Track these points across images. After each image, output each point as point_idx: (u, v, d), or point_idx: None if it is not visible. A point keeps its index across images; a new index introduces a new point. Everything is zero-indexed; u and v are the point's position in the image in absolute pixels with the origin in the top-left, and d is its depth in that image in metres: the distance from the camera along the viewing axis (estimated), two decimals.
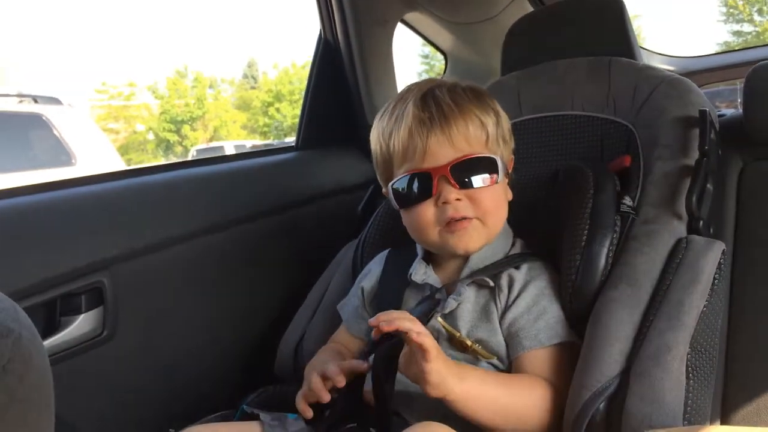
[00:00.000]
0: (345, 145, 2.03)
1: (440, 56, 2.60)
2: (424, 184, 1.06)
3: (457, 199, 1.04)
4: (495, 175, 1.06)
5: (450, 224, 1.06)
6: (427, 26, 2.37)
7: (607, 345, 0.96)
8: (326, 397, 0.97)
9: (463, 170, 1.04)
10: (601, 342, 0.96)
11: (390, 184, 1.12)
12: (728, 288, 1.22)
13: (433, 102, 1.06)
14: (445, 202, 1.04)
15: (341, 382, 0.97)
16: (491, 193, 1.07)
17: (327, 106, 2.00)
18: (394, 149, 1.09)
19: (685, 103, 1.20)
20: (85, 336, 1.22)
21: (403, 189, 1.09)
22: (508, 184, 1.15)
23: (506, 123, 1.14)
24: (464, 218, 1.05)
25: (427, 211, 1.06)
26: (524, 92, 1.40)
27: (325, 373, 0.99)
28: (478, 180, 1.05)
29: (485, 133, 1.07)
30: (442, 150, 1.04)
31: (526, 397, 0.96)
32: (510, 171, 1.16)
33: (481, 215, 1.06)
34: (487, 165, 1.06)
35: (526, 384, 0.98)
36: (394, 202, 1.12)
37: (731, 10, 22.71)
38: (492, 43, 2.29)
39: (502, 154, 1.11)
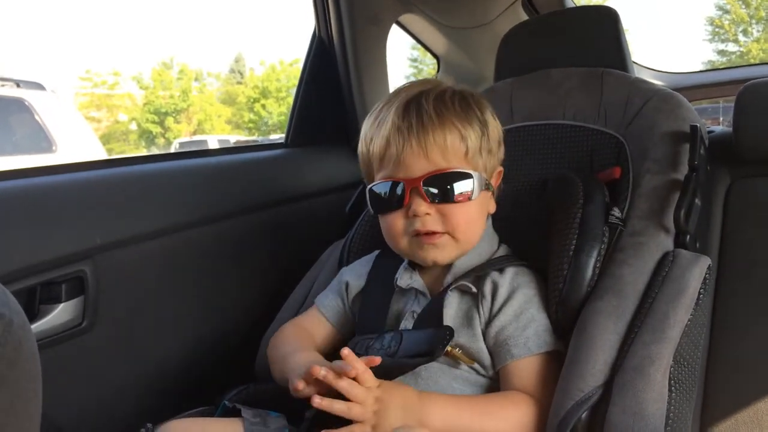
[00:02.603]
0: (335, 144, 2.02)
1: (429, 60, 2.61)
2: (397, 194, 1.06)
3: (427, 213, 1.04)
4: (469, 192, 1.05)
5: (419, 236, 1.06)
6: (422, 29, 2.37)
7: (591, 355, 0.96)
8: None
9: (435, 184, 1.04)
10: (586, 352, 0.97)
11: (368, 188, 1.12)
12: (711, 303, 1.24)
13: (415, 111, 1.05)
14: (414, 215, 1.04)
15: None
16: (463, 210, 1.06)
17: (318, 104, 1.99)
18: (373, 154, 1.09)
19: (676, 118, 1.21)
20: (65, 325, 1.20)
21: (377, 195, 1.09)
22: (496, 195, 1.15)
23: (495, 133, 1.12)
24: (433, 233, 1.05)
25: (398, 220, 1.07)
26: (517, 99, 1.40)
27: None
28: (450, 195, 1.04)
29: (465, 146, 1.06)
30: (417, 162, 1.04)
31: (503, 421, 0.96)
32: (497, 182, 1.15)
33: (451, 231, 1.05)
34: (461, 181, 1.05)
35: (504, 405, 0.98)
36: (370, 207, 1.12)
37: (717, 30, 23.08)
38: (486, 49, 2.30)
39: (485, 167, 1.09)
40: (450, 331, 1.01)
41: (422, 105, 1.05)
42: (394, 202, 1.06)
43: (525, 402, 0.98)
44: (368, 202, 1.12)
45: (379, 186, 1.08)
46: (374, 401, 0.92)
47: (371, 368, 0.95)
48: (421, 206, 1.03)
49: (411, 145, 1.03)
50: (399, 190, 1.05)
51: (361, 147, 1.13)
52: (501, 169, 1.16)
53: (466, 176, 1.05)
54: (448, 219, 1.04)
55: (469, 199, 1.05)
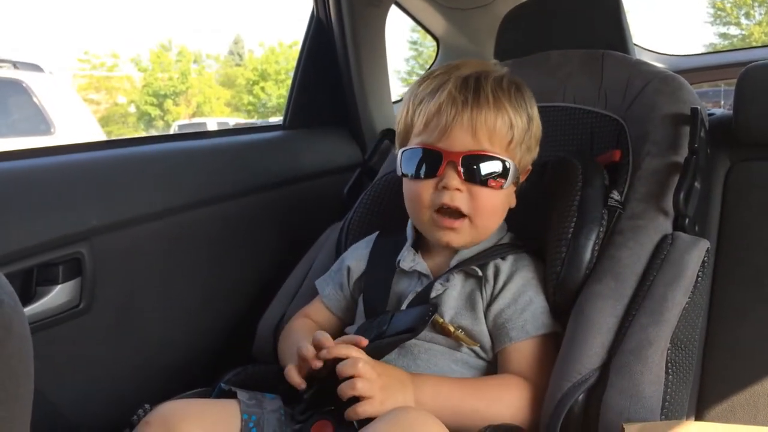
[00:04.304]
0: (333, 126, 2.01)
1: (429, 43, 2.59)
2: (432, 163, 1.04)
3: (458, 189, 1.03)
4: (503, 181, 1.04)
5: (441, 217, 1.05)
6: (421, 10, 2.34)
7: (589, 337, 0.96)
8: (318, 365, 0.96)
9: (474, 164, 1.02)
10: (583, 334, 0.97)
11: (401, 150, 1.10)
12: (710, 286, 1.24)
13: (473, 87, 1.03)
14: (445, 187, 1.03)
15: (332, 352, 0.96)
16: (492, 196, 1.05)
17: (316, 85, 1.97)
18: (419, 117, 1.07)
19: (677, 100, 1.20)
20: (62, 307, 1.20)
21: (410, 160, 1.07)
22: (517, 191, 1.13)
23: (537, 131, 1.12)
24: (457, 210, 1.04)
25: (426, 189, 1.05)
26: None
27: (318, 343, 0.97)
28: (485, 179, 1.03)
29: (511, 134, 1.05)
30: (462, 137, 1.02)
31: (494, 403, 0.96)
32: (523, 179, 1.14)
33: (474, 214, 1.04)
34: (499, 168, 1.04)
35: (496, 387, 0.98)
36: (399, 169, 1.11)
37: (719, 13, 22.91)
38: (486, 30, 2.27)
39: (520, 161, 1.08)
40: (433, 307, 1.01)
41: (481, 83, 1.04)
42: (427, 170, 1.05)
43: (518, 385, 0.98)
44: (399, 164, 1.10)
45: (415, 151, 1.07)
46: (378, 376, 0.91)
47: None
48: (454, 180, 1.02)
49: (462, 118, 1.02)
50: (435, 160, 1.04)
51: (407, 106, 1.11)
52: (530, 167, 1.15)
53: (504, 165, 1.04)
54: (476, 201, 1.04)
55: (501, 188, 1.05)
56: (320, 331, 0.99)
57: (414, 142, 1.08)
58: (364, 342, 0.97)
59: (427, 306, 1.02)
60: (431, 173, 1.04)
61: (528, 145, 1.09)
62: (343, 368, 0.91)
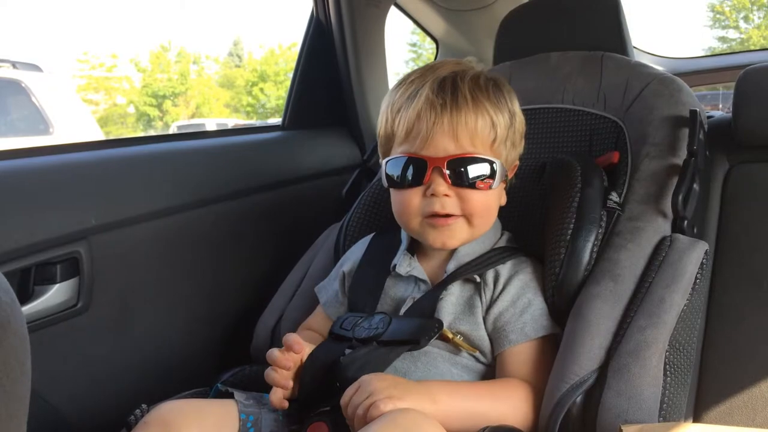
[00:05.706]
0: (332, 127, 2.01)
1: (428, 45, 2.58)
2: (417, 171, 1.03)
3: (446, 195, 1.02)
4: (491, 181, 1.04)
5: (433, 218, 1.04)
6: (420, 11, 2.34)
7: (587, 339, 0.96)
8: (288, 386, 0.98)
9: (459, 167, 1.02)
10: (582, 336, 0.97)
11: (385, 160, 1.09)
12: (708, 288, 1.24)
13: (450, 89, 1.02)
14: (433, 194, 1.02)
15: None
16: (482, 197, 1.04)
17: (316, 86, 1.97)
18: (399, 126, 1.06)
19: (676, 102, 1.20)
20: (59, 306, 1.20)
21: (395, 169, 1.06)
22: (506, 188, 1.13)
23: (520, 126, 1.11)
24: (449, 215, 1.03)
25: (414, 198, 1.05)
26: (516, 83, 1.38)
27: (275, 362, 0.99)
28: (473, 181, 1.02)
29: (494, 133, 1.04)
30: (445, 142, 1.01)
31: (503, 405, 0.96)
32: (511, 175, 1.13)
33: (468, 214, 1.04)
34: (485, 168, 1.03)
35: (504, 391, 0.98)
36: (384, 180, 1.10)
37: (718, 16, 22.96)
38: (485, 32, 2.28)
39: (506, 158, 1.08)
40: (439, 324, 1.00)
41: (458, 84, 1.03)
42: (413, 179, 1.04)
43: (523, 387, 0.98)
44: (383, 175, 1.10)
45: (399, 160, 1.06)
46: (382, 379, 0.89)
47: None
48: (441, 186, 1.01)
49: (442, 123, 1.01)
50: (420, 168, 1.03)
51: (385, 116, 1.10)
52: (518, 162, 1.15)
53: (491, 165, 1.03)
54: (467, 203, 1.03)
55: (490, 188, 1.04)
56: (272, 350, 1.00)
57: (397, 151, 1.07)
58: (299, 348, 0.99)
59: (433, 321, 1.01)
60: (418, 181, 1.04)
61: (512, 141, 1.09)
62: (345, 400, 0.89)
